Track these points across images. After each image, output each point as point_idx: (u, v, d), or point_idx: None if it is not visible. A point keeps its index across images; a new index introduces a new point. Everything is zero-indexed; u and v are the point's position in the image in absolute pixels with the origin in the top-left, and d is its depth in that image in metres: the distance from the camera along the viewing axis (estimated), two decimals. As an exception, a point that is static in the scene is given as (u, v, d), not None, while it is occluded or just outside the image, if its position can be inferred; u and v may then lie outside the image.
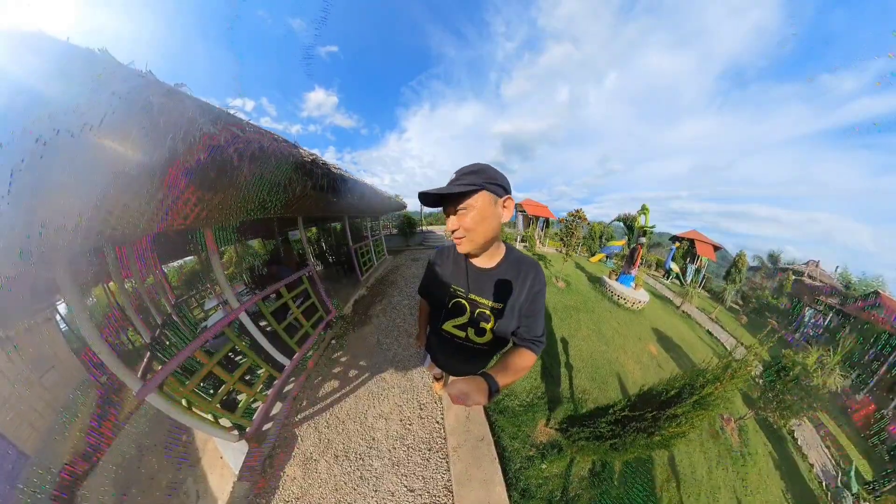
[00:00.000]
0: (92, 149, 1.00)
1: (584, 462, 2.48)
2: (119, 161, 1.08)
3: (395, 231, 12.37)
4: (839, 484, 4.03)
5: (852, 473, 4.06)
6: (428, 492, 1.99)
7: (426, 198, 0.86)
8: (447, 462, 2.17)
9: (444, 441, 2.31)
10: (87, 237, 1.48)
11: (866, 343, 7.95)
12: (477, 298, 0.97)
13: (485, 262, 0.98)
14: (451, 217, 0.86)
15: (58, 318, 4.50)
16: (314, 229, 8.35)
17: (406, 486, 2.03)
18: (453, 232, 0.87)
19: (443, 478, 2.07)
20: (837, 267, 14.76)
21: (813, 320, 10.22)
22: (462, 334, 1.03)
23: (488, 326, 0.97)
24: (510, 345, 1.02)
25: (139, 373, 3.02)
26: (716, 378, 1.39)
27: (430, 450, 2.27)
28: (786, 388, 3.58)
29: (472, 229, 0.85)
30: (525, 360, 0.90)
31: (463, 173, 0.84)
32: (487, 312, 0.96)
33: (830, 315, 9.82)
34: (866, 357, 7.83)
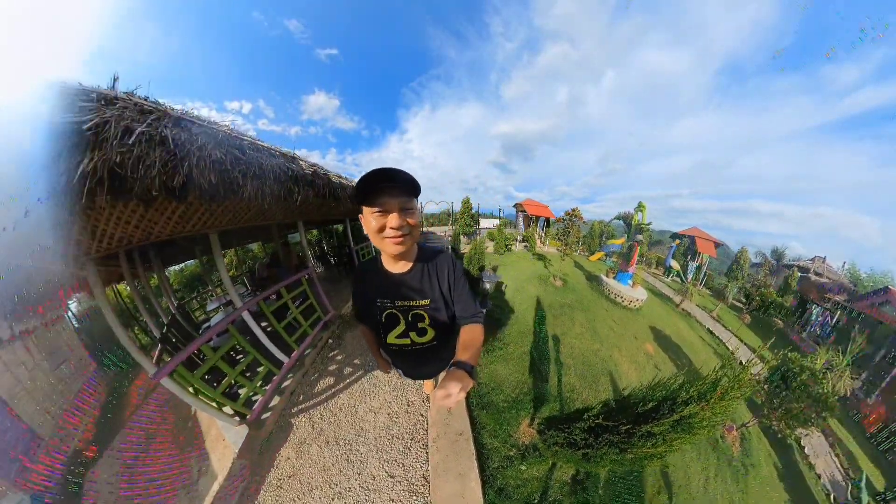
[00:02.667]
0: (121, 176, 1.15)
1: (566, 467, 2.26)
2: (145, 183, 1.23)
3: None
4: (849, 496, 3.60)
5: (862, 484, 3.60)
6: (407, 479, 1.97)
7: (374, 182, 0.74)
8: (427, 453, 2.14)
9: (426, 433, 2.30)
10: (109, 242, 1.71)
11: (877, 342, 7.27)
12: (405, 303, 0.95)
13: (401, 266, 0.95)
14: (395, 214, 0.77)
15: (70, 314, 4.57)
16: (315, 232, 8.32)
17: (387, 472, 2.03)
18: (398, 229, 0.78)
19: (422, 467, 2.06)
20: (845, 263, 13.73)
21: (820, 319, 9.49)
22: (406, 341, 1.00)
23: (426, 325, 0.96)
24: (457, 328, 1.00)
25: (153, 360, 3.03)
26: (701, 396, 1.13)
27: (412, 439, 2.25)
28: (792, 395, 3.19)
29: (416, 226, 0.83)
30: (476, 334, 0.91)
31: (402, 172, 0.77)
32: (420, 312, 0.95)
33: (839, 313, 9.08)
34: (877, 357, 7.16)
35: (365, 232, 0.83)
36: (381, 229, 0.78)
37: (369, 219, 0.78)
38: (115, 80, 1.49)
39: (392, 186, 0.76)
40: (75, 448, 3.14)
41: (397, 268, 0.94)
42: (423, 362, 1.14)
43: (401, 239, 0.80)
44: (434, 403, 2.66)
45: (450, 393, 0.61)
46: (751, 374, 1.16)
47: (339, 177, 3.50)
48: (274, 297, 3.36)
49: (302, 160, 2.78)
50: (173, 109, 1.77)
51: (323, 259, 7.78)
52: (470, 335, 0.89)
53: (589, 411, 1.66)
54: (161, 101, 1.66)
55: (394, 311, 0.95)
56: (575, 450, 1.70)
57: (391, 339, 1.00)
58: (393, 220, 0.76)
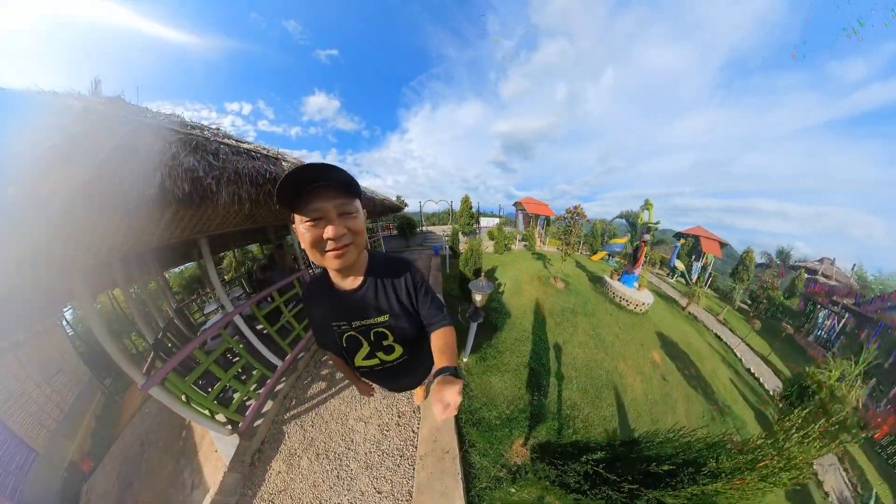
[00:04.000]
0: (95, 186, 1.14)
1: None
2: (118, 194, 1.22)
3: (395, 232, 11.99)
4: (859, 517, 3.44)
5: (871, 502, 3.46)
6: (393, 495, 1.97)
7: (300, 184, 0.62)
8: (414, 469, 2.11)
9: (415, 448, 2.26)
10: (97, 252, 1.76)
11: (887, 348, 7.04)
12: (362, 323, 0.84)
13: (351, 281, 0.83)
14: (334, 224, 0.65)
15: (64, 323, 4.50)
16: None
17: (375, 488, 2.03)
18: (336, 239, 0.65)
19: (408, 483, 2.04)
20: (854, 265, 13.34)
21: (826, 322, 9.25)
22: (375, 362, 0.91)
23: (391, 342, 0.88)
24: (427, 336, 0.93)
25: (144, 370, 3.13)
26: (735, 469, 0.91)
27: (401, 457, 2.21)
28: (810, 418, 2.98)
29: (360, 232, 0.70)
30: (449, 337, 0.86)
31: (333, 168, 0.64)
32: (381, 330, 0.86)
33: (846, 317, 8.83)
34: (886, 364, 6.95)
35: (302, 246, 0.69)
36: (318, 241, 0.65)
37: (301, 230, 0.65)
38: (96, 84, 1.50)
39: (324, 187, 0.64)
40: (72, 459, 3.17)
41: (347, 284, 0.82)
42: (398, 377, 1.05)
43: (342, 250, 0.67)
44: (428, 417, 2.55)
45: (448, 402, 0.59)
46: (810, 457, 0.94)
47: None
48: (269, 299, 3.34)
49: (287, 160, 2.69)
50: (156, 114, 1.76)
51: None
52: (444, 340, 0.85)
53: (589, 453, 1.46)
54: (150, 104, 1.65)
55: (353, 333, 0.86)
56: (566, 491, 1.52)
57: (358, 361, 0.92)
58: (330, 229, 0.64)
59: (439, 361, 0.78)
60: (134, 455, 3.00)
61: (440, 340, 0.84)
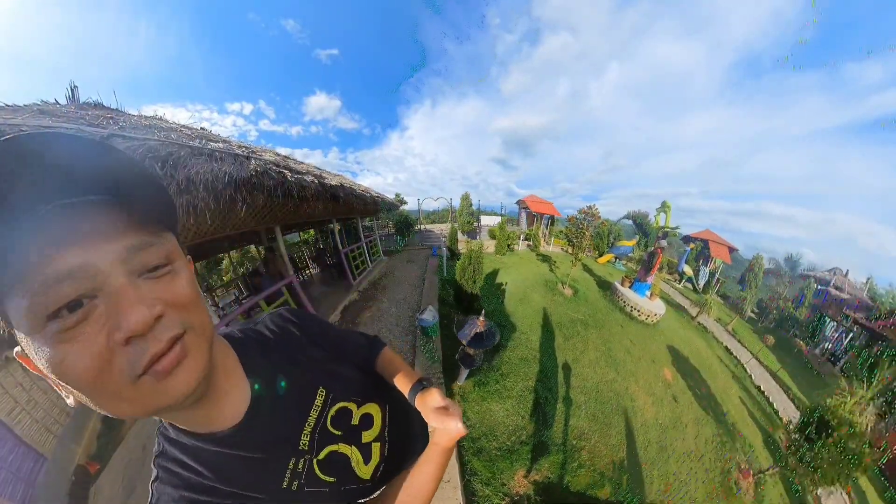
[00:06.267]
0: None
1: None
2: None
3: (392, 231, 11.74)
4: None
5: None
6: None
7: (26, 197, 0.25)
8: None
9: None
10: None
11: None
12: (309, 426, 0.54)
13: (236, 395, 0.45)
14: (127, 301, 0.28)
15: None
16: (303, 234, 8.04)
17: None
18: (158, 332, 0.30)
19: None
20: (869, 278, 13.31)
21: (833, 335, 9.33)
22: (378, 448, 0.64)
23: (357, 408, 0.63)
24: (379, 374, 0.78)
25: None
26: None
27: None
28: (825, 452, 2.95)
29: (191, 303, 0.34)
30: (393, 357, 0.77)
31: (108, 150, 0.29)
32: (335, 410, 0.59)
33: (855, 330, 8.89)
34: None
35: (51, 377, 0.28)
36: (101, 359, 0.27)
37: (33, 344, 0.27)
38: (72, 90, 1.82)
39: (81, 206, 0.28)
40: (79, 463, 3.20)
41: (229, 409, 0.44)
42: (410, 434, 0.76)
43: (180, 351, 0.31)
44: (450, 435, 2.48)
45: (446, 406, 0.57)
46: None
47: (319, 175, 3.40)
48: (259, 308, 3.32)
49: (259, 157, 2.53)
50: (116, 116, 1.75)
51: (316, 261, 7.50)
52: (390, 363, 0.74)
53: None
54: (147, 107, 1.53)
55: (321, 452, 0.53)
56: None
57: (365, 473, 0.59)
58: (130, 316, 0.28)
59: (404, 384, 0.67)
60: (136, 459, 3.05)
61: (387, 366, 0.74)
